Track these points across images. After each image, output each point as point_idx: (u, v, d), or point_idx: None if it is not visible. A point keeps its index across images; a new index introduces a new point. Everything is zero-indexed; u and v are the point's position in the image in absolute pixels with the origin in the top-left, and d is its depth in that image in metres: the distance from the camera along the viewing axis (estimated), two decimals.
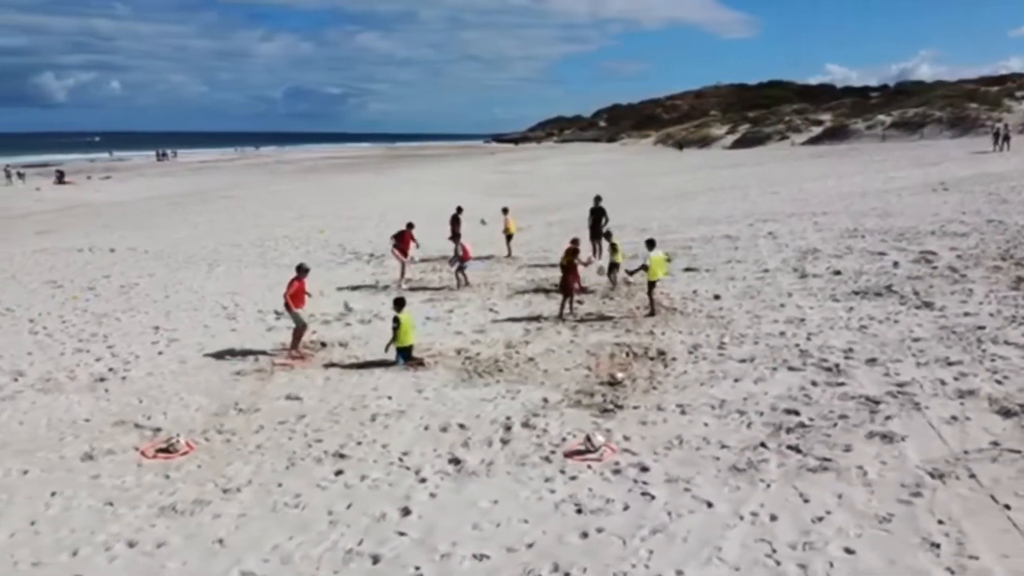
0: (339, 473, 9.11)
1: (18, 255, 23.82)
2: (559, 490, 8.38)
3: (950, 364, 11.53)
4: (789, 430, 9.56)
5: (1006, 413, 9.53)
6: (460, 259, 19.19)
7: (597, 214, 22.40)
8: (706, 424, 9.97)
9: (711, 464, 8.78)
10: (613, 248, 18.94)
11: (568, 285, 16.12)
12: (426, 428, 10.36)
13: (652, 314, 15.67)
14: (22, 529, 8.03)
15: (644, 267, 16.01)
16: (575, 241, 16.95)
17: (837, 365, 11.86)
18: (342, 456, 9.56)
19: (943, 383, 10.74)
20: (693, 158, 79.59)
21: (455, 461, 9.27)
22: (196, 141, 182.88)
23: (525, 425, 10.28)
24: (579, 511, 7.91)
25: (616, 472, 8.75)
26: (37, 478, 9.19)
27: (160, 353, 14.02)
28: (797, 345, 13.05)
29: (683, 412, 10.43)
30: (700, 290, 17.61)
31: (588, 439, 9.33)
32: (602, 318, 15.68)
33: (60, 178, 61.36)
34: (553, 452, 9.36)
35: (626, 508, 7.92)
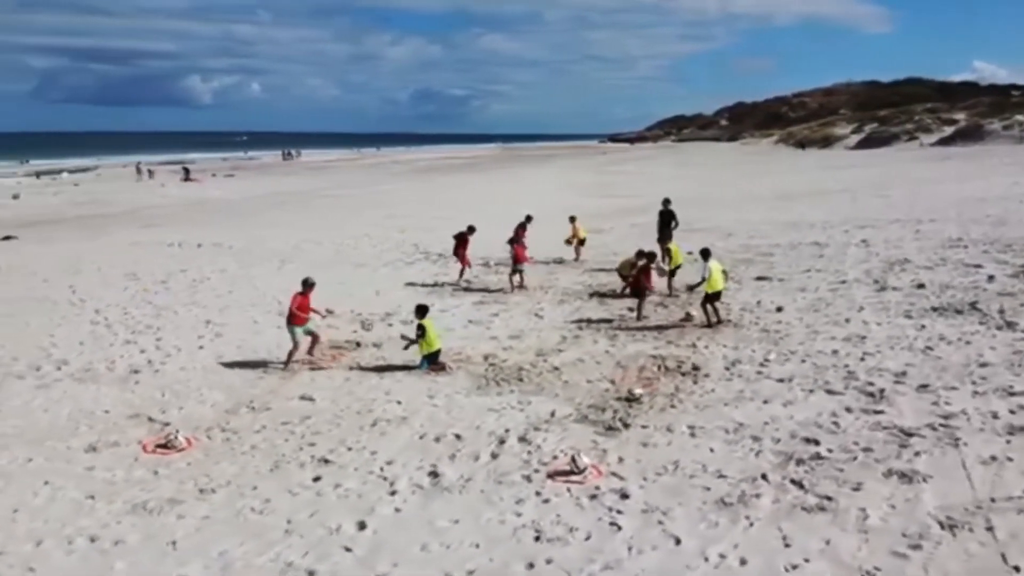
0: (317, 479, 8.92)
1: (113, 248, 25.22)
2: (526, 513, 7.86)
3: (1011, 395, 10.19)
4: (800, 461, 8.65)
5: None
6: (514, 262, 18.81)
7: (666, 217, 21.45)
8: (712, 449, 9.18)
9: (698, 495, 8.03)
10: (667, 252, 18.07)
11: (642, 287, 15.64)
12: (421, 437, 10.04)
13: (710, 325, 14.75)
14: (3, 517, 8.26)
15: (703, 279, 15.07)
16: (648, 256, 16.28)
17: (882, 390, 10.72)
18: (327, 462, 9.37)
19: (995, 416, 9.49)
20: (810, 159, 75.96)
21: (434, 474, 8.90)
22: (329, 142, 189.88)
23: (521, 439, 9.78)
24: (537, 538, 7.37)
25: (593, 497, 8.14)
26: (38, 467, 9.46)
27: (201, 348, 14.35)
28: (846, 366, 11.93)
29: (692, 435, 9.66)
30: (764, 301, 16.51)
31: (573, 460, 8.76)
32: (647, 328, 14.92)
33: (186, 175, 65.05)
34: (537, 471, 8.84)
35: (587, 538, 7.32)
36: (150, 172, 67.82)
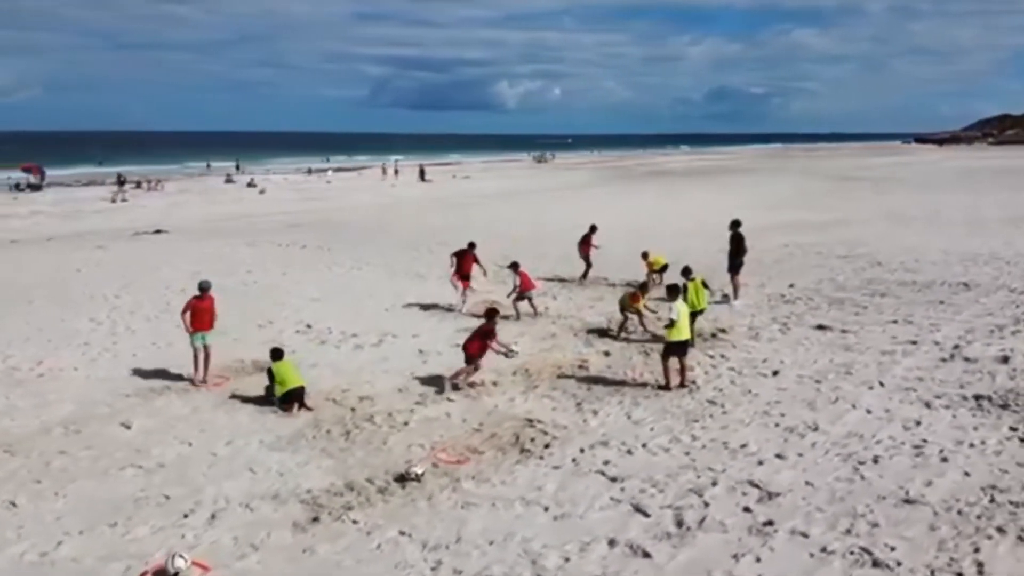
0: None
1: (227, 246, 26.77)
2: None
3: (874, 564, 6.52)
4: None
5: None
6: (519, 288, 16.57)
7: (737, 241, 17.73)
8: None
9: None
10: (694, 288, 14.65)
11: (473, 352, 12.28)
12: (136, 492, 8.85)
13: (668, 387, 11.77)
14: None
15: (672, 322, 12.03)
16: (487, 314, 13.10)
17: (701, 520, 7.54)
18: (13, 505, 8.54)
19: None
20: None
21: (60, 544, 7.69)
22: (619, 143, 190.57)
23: (212, 517, 8.22)
24: None
25: None
26: None
27: (134, 355, 14.24)
28: (723, 471, 8.68)
29: (379, 547, 7.45)
30: (774, 360, 12.96)
31: (170, 559, 7.06)
32: (578, 382, 12.23)
33: (421, 176, 68.69)
34: (147, 562, 7.28)
35: None
36: (395, 171, 72.66)
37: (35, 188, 55.18)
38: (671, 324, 11.91)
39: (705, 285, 14.96)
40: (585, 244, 20.34)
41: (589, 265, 20.25)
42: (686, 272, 15.19)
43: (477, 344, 12.17)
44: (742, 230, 17.89)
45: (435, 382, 12.47)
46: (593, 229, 20.62)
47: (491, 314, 12.73)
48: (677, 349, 11.97)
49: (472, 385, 12.18)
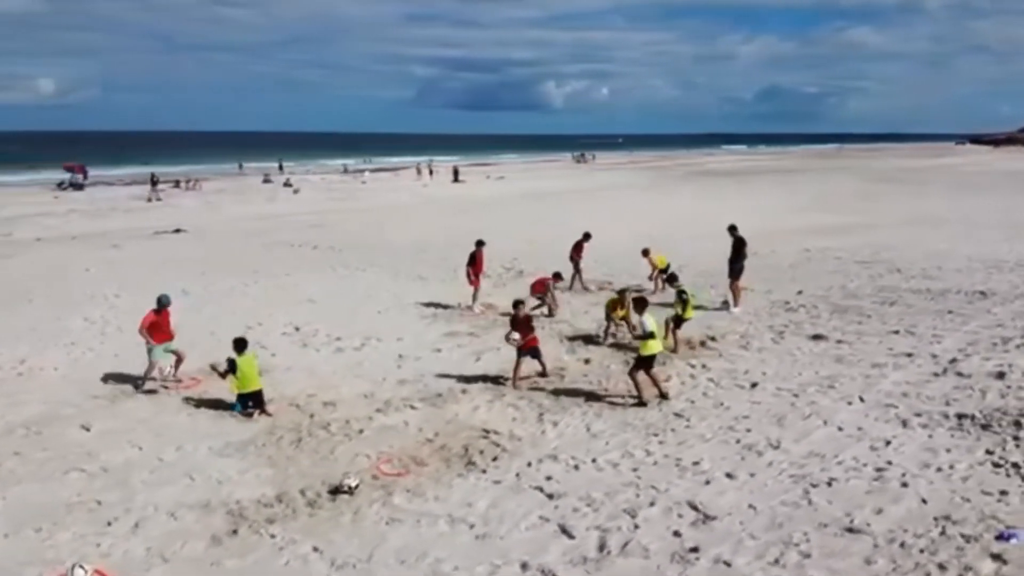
0: None
1: (237, 247, 26.94)
2: None
3: None
4: None
5: None
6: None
7: (738, 246, 17.11)
8: None
9: None
10: (680, 297, 14.16)
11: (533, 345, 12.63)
12: (70, 496, 8.78)
13: (644, 400, 11.33)
14: None
15: (647, 334, 11.59)
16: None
17: (624, 546, 7.19)
18: None
19: None
20: None
21: None
22: (662, 143, 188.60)
23: (135, 526, 8.08)
24: None
25: None
26: None
27: (116, 356, 14.30)
28: (664, 491, 8.28)
29: (287, 563, 7.18)
30: (755, 372, 12.43)
31: (70, 570, 6.90)
32: (553, 392, 11.86)
33: (455, 177, 68.64)
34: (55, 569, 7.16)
35: None
36: (430, 172, 72.75)
37: (77, 187, 56.55)
38: (645, 338, 11.50)
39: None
40: (576, 251, 19.88)
41: (579, 271, 19.81)
42: (672, 279, 14.81)
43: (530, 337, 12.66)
44: (744, 234, 17.39)
45: (402, 388, 12.27)
46: (587, 236, 20.11)
47: (517, 305, 13.04)
48: (648, 363, 11.54)
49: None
